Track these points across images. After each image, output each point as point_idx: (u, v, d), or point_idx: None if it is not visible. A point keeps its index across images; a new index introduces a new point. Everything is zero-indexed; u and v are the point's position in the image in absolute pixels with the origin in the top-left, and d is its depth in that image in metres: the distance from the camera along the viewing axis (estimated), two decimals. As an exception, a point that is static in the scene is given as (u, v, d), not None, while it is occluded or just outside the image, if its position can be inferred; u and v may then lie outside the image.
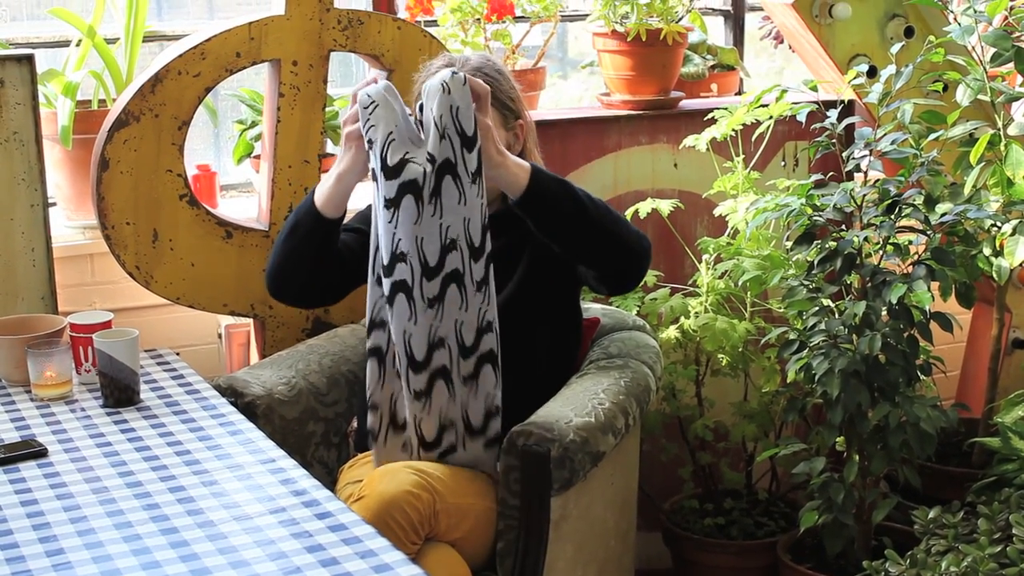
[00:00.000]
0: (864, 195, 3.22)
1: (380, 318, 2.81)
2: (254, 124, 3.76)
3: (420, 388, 2.79)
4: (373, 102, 2.71)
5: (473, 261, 2.74)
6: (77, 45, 3.59)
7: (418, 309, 2.74)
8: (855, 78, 3.41)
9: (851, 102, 3.92)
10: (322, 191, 2.90)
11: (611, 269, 2.95)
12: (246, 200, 3.98)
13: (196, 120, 3.33)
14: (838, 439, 3.32)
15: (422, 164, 2.68)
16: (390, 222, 2.71)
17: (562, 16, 4.10)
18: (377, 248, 2.77)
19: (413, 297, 2.74)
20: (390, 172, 2.69)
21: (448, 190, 2.69)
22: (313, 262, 2.95)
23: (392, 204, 2.69)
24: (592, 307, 3.41)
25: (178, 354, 3.29)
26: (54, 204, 3.59)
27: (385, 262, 2.74)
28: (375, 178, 2.73)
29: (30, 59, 3.24)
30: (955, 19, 3.44)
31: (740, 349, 3.53)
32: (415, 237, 2.70)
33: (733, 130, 3.59)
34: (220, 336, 3.66)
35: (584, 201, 2.84)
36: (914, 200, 3.20)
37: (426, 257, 2.72)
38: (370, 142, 2.72)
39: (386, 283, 2.75)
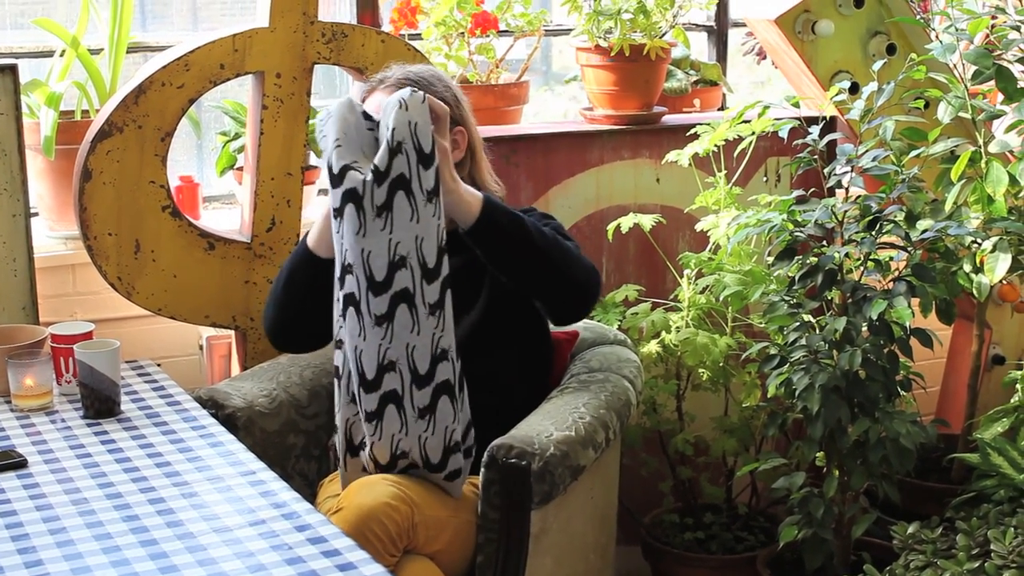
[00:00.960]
0: (845, 211, 3.23)
1: (340, 337, 2.76)
2: (237, 136, 3.76)
3: (371, 409, 2.70)
4: (330, 114, 2.69)
5: (426, 283, 2.64)
6: (61, 55, 3.59)
7: (366, 325, 2.65)
8: (837, 94, 3.42)
9: (833, 118, 3.93)
10: (313, 232, 2.90)
11: (557, 302, 2.94)
12: (228, 212, 3.98)
13: (179, 131, 3.33)
14: (818, 454, 3.33)
15: (364, 173, 2.61)
16: (338, 232, 2.65)
17: (546, 30, 4.10)
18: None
19: (361, 312, 2.65)
20: (335, 179, 2.62)
21: (400, 205, 2.60)
22: (316, 307, 2.88)
23: (338, 213, 2.63)
24: (574, 321, 3.41)
25: (159, 365, 3.29)
26: (36, 214, 3.58)
27: (338, 274, 2.70)
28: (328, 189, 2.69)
29: (13, 69, 3.24)
30: (937, 37, 3.45)
31: (721, 364, 3.53)
32: (360, 249, 2.62)
33: (715, 145, 3.60)
34: (201, 348, 3.66)
35: (534, 235, 2.82)
36: (895, 216, 3.21)
37: (372, 271, 2.62)
38: (322, 152, 2.68)
39: (339, 295, 2.70)
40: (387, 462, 2.74)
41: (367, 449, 2.76)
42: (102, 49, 3.60)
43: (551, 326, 3.15)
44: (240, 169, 3.71)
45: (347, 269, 2.66)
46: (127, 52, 3.62)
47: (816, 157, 3.29)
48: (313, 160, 3.67)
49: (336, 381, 2.79)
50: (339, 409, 2.80)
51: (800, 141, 3.33)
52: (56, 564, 2.16)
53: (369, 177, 2.59)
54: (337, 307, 2.72)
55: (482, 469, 2.73)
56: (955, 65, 3.44)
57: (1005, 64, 3.37)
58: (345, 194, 2.60)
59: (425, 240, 2.62)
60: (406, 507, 2.63)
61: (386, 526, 2.59)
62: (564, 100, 4.95)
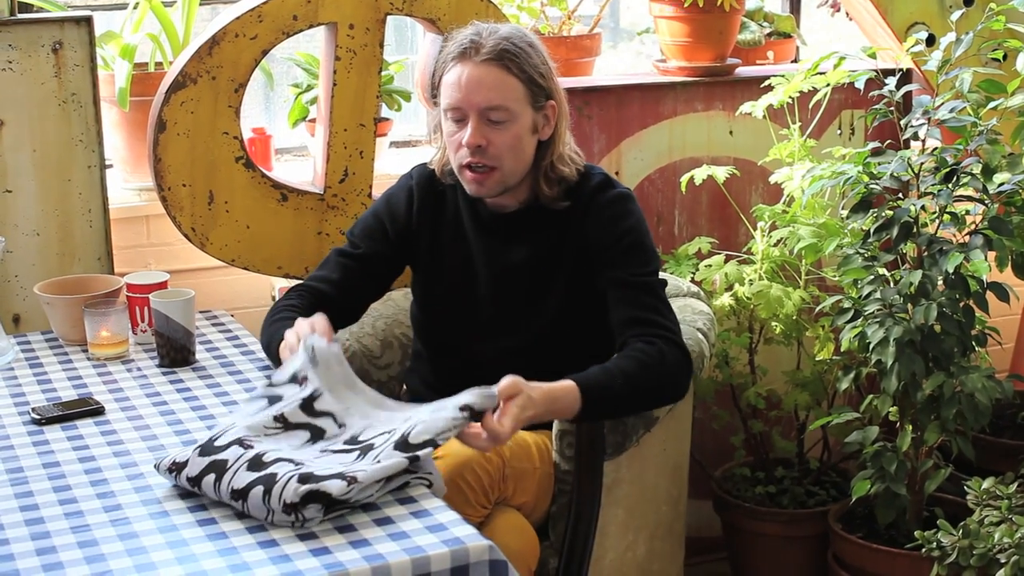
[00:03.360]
0: (921, 163, 3.20)
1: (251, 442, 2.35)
2: (309, 88, 3.77)
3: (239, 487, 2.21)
4: (316, 359, 2.43)
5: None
6: (135, 8, 3.61)
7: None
8: (914, 46, 3.38)
9: (909, 71, 3.89)
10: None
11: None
12: (300, 164, 3.99)
13: (250, 84, 3.34)
14: (891, 409, 3.30)
15: (332, 426, 2.38)
16: (273, 432, 2.37)
17: (618, -18, 4.09)
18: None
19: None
20: (306, 406, 2.39)
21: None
22: None
23: (282, 421, 2.37)
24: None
25: (233, 316, 3.31)
26: (111, 166, 3.61)
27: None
28: (270, 387, 2.45)
29: (88, 21, 3.26)
30: (1016, -13, 3.40)
31: (794, 317, 3.51)
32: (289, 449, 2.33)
33: (790, 97, 3.57)
34: (274, 298, 3.67)
35: (626, 390, 2.62)
36: (972, 169, 3.18)
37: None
38: (302, 379, 2.43)
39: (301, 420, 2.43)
40: None
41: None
42: (175, 1, 3.62)
43: None
44: (312, 121, 3.72)
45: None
46: (199, 4, 3.63)
47: (892, 109, 3.26)
48: (385, 112, 3.67)
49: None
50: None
51: (876, 93, 3.29)
52: (134, 509, 2.19)
53: (342, 439, 2.36)
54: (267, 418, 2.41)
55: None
56: (1035, 16, 3.39)
57: (1087, 14, 3.33)
58: (309, 426, 2.38)
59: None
60: (498, 459, 2.62)
61: (479, 476, 2.57)
62: (631, 56, 4.93)
